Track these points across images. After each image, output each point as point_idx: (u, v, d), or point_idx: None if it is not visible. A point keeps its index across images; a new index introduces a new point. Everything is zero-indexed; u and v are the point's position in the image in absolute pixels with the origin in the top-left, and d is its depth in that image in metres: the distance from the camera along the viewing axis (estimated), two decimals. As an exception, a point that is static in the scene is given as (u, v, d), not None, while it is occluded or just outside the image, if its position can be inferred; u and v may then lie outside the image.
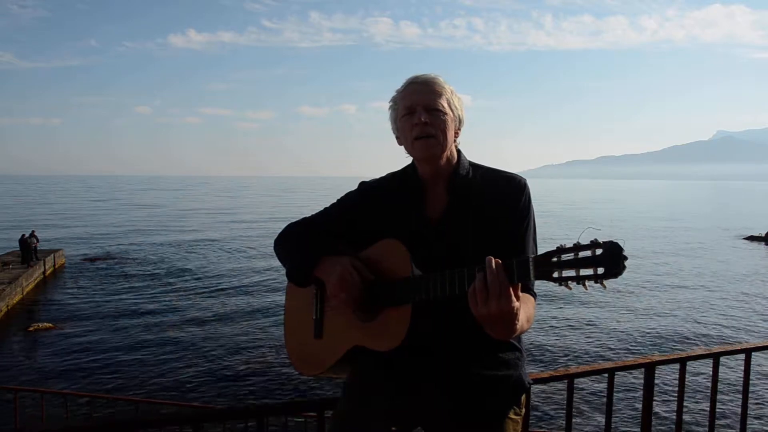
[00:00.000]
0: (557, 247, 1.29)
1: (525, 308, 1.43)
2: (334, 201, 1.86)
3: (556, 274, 1.27)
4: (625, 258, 1.20)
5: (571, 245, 1.27)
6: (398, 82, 1.74)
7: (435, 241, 1.64)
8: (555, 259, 1.28)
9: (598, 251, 1.22)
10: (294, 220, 1.88)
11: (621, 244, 1.20)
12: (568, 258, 1.26)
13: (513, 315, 1.36)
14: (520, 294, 1.38)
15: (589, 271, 1.23)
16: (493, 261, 1.35)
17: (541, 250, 1.69)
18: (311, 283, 1.75)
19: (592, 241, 1.23)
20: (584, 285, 1.25)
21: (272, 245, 1.87)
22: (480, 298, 1.35)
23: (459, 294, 1.43)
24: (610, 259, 1.20)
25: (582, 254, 1.24)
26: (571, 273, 1.25)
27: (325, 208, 1.85)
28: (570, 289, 1.28)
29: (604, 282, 1.22)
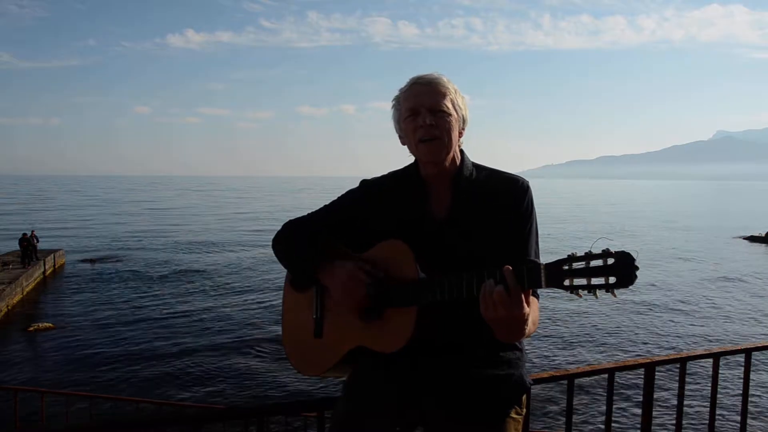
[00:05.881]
0: (568, 255, 1.29)
1: (531, 312, 1.43)
2: (335, 198, 1.81)
3: (567, 282, 1.28)
4: (637, 268, 1.21)
5: (583, 254, 1.27)
6: (398, 82, 1.71)
7: (440, 240, 1.62)
8: (566, 267, 1.29)
9: (610, 261, 1.23)
10: (292, 218, 1.83)
11: (634, 254, 1.21)
12: (579, 266, 1.27)
13: (523, 320, 1.37)
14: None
15: (601, 280, 1.24)
16: (508, 269, 1.35)
17: (542, 252, 1.68)
18: (313, 285, 1.73)
19: (603, 251, 1.24)
20: (595, 294, 1.26)
21: (271, 245, 1.82)
22: (491, 304, 1.36)
23: (471, 297, 1.43)
24: (622, 269, 1.21)
25: (593, 263, 1.25)
26: (582, 282, 1.26)
27: (325, 206, 1.81)
28: (580, 296, 1.29)
29: (615, 291, 1.23)
